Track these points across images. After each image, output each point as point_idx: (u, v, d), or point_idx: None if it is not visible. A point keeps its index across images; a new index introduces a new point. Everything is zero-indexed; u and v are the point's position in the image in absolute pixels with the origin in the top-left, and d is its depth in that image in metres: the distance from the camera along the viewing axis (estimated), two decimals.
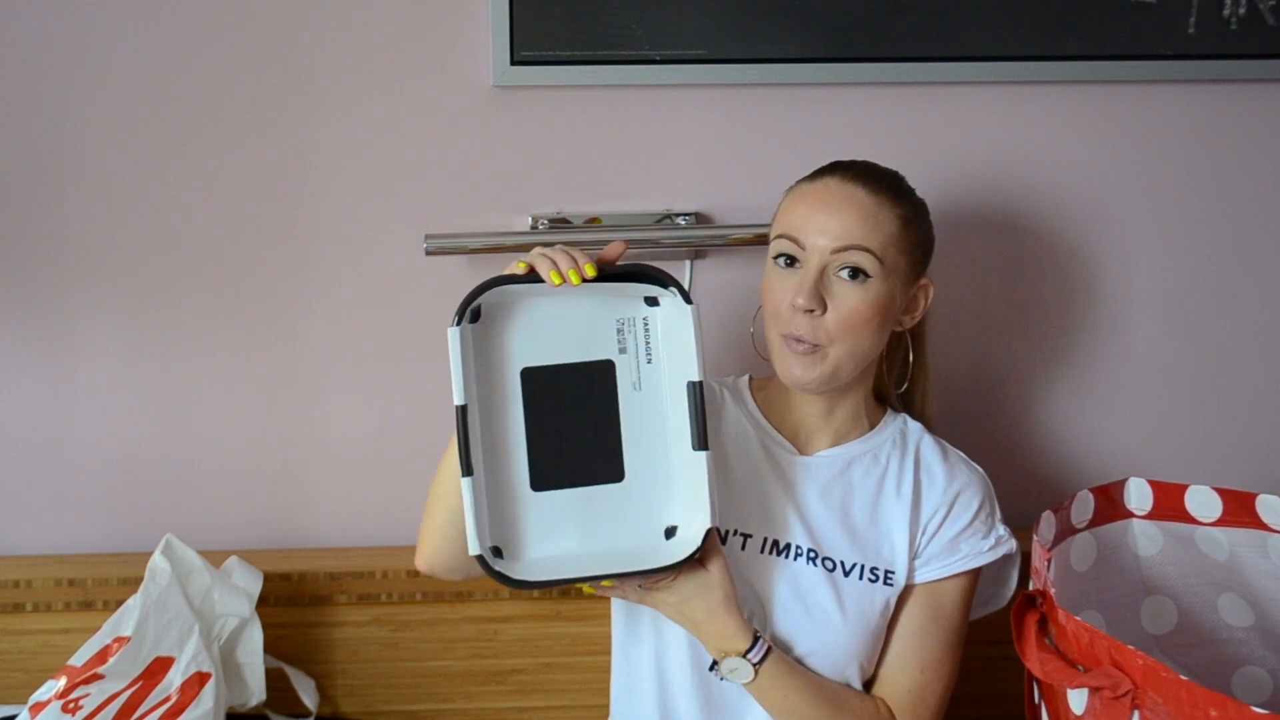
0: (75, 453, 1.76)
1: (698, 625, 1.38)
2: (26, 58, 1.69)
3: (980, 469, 1.53)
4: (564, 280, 1.30)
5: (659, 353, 1.38)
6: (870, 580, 1.46)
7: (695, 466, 1.35)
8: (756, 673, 1.38)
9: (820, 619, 1.44)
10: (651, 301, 1.38)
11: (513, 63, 1.71)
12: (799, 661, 1.43)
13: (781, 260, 1.44)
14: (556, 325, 1.35)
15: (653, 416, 1.38)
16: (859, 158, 1.76)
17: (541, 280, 1.30)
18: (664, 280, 1.35)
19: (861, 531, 1.47)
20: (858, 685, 1.46)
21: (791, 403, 1.51)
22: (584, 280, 1.30)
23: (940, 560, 1.47)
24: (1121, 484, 1.55)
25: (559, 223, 1.76)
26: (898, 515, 1.48)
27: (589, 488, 1.36)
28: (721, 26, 1.73)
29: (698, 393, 1.35)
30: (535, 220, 1.76)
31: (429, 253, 1.70)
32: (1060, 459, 1.87)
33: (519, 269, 1.32)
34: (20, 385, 1.75)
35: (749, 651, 1.37)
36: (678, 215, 1.76)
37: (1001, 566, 1.53)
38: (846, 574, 1.46)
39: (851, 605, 1.44)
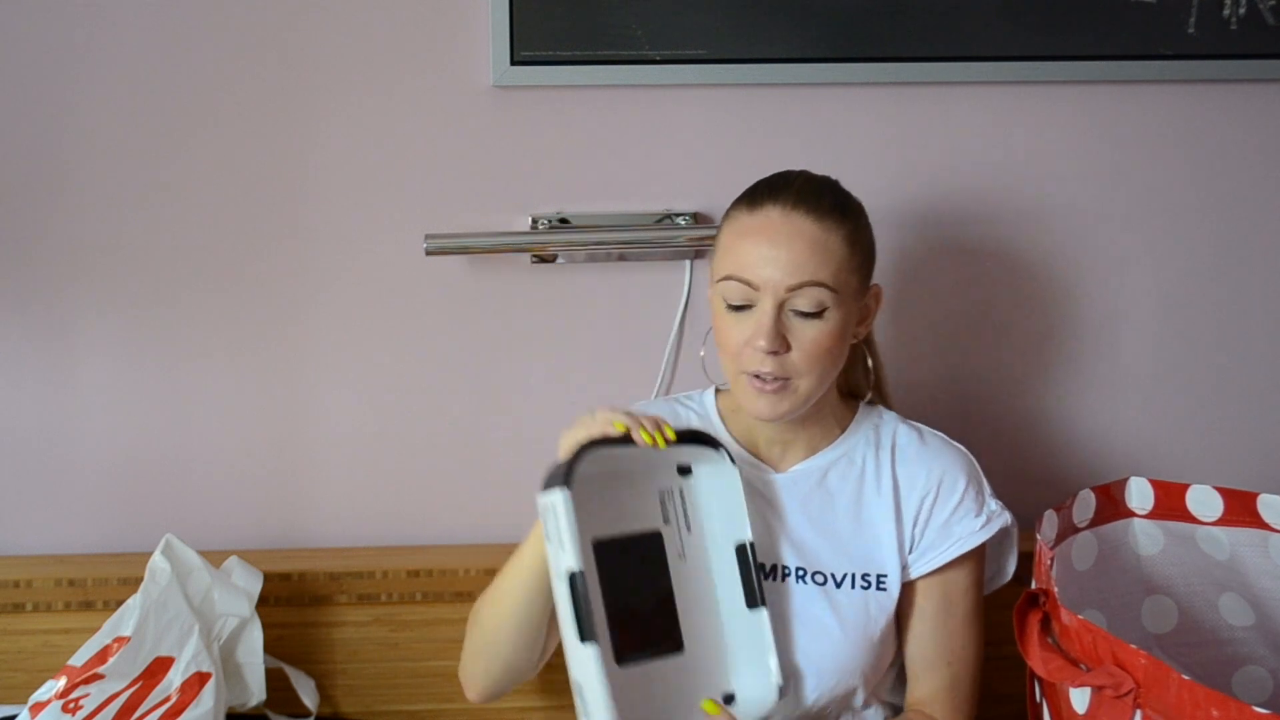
0: (75, 453, 1.76)
1: None
2: (27, 58, 1.69)
3: (961, 447, 1.51)
4: (653, 443, 1.30)
5: (698, 520, 1.39)
6: (864, 588, 1.45)
7: (750, 626, 1.36)
8: None
9: (820, 636, 1.43)
10: (684, 471, 1.39)
11: (513, 63, 1.71)
12: (801, 681, 1.42)
13: (731, 308, 1.40)
14: (611, 496, 1.35)
15: (702, 584, 1.39)
16: (858, 157, 1.77)
17: (632, 443, 1.30)
18: (713, 443, 1.37)
19: (848, 540, 1.46)
20: (863, 695, 1.45)
21: (760, 425, 1.49)
22: (667, 443, 1.31)
23: (937, 548, 1.46)
24: (1123, 483, 1.55)
25: (560, 223, 1.76)
26: (881, 514, 1.47)
27: (659, 660, 1.35)
28: (721, 26, 1.73)
29: (747, 554, 1.37)
30: (535, 220, 1.76)
31: (429, 253, 1.70)
32: (1061, 458, 1.87)
33: (615, 430, 1.30)
34: (20, 385, 1.75)
35: None
36: (678, 215, 1.76)
37: (1000, 543, 1.51)
38: (839, 585, 1.45)
39: (849, 616, 1.43)
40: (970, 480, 1.48)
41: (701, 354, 1.58)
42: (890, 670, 1.51)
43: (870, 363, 1.54)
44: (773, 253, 1.38)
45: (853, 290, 1.42)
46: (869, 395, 1.55)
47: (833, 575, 1.45)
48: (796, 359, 1.38)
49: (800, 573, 1.45)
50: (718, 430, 1.50)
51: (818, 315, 1.39)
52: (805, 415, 1.46)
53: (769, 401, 1.40)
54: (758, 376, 1.39)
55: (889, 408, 1.56)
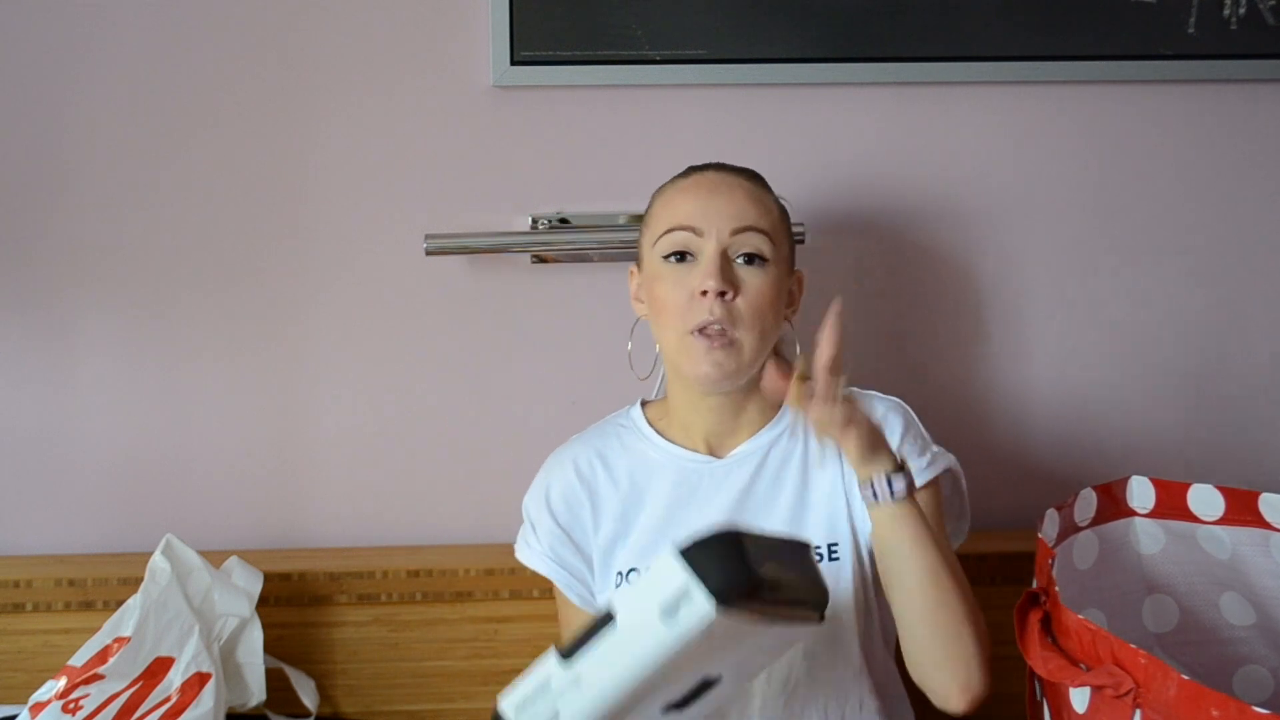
0: (75, 453, 1.76)
1: None
2: (27, 58, 1.69)
3: (896, 398, 1.51)
4: None
5: None
6: (816, 560, 1.44)
7: None
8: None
9: None
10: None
11: (513, 63, 1.71)
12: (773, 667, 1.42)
13: (673, 258, 1.42)
14: None
15: None
16: (858, 157, 1.77)
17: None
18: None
19: (797, 515, 1.46)
20: (846, 679, 1.44)
21: (699, 413, 1.48)
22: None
23: None
24: (1124, 482, 1.54)
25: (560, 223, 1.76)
26: (826, 482, 1.46)
27: None
28: (721, 26, 1.73)
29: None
30: (535, 220, 1.76)
31: (429, 253, 1.70)
32: (1062, 458, 1.87)
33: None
34: (20, 385, 1.75)
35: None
36: None
37: (951, 498, 1.51)
38: None
39: None
40: (909, 425, 1.48)
41: (629, 347, 1.58)
42: (883, 657, 1.50)
43: (798, 348, 1.53)
44: (714, 200, 1.42)
45: (784, 257, 1.45)
46: (798, 371, 1.53)
47: None
48: (742, 307, 1.40)
49: None
50: (651, 440, 1.51)
51: (761, 262, 1.41)
52: (744, 399, 1.47)
53: (715, 360, 1.40)
54: (705, 333, 1.39)
55: None
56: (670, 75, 1.74)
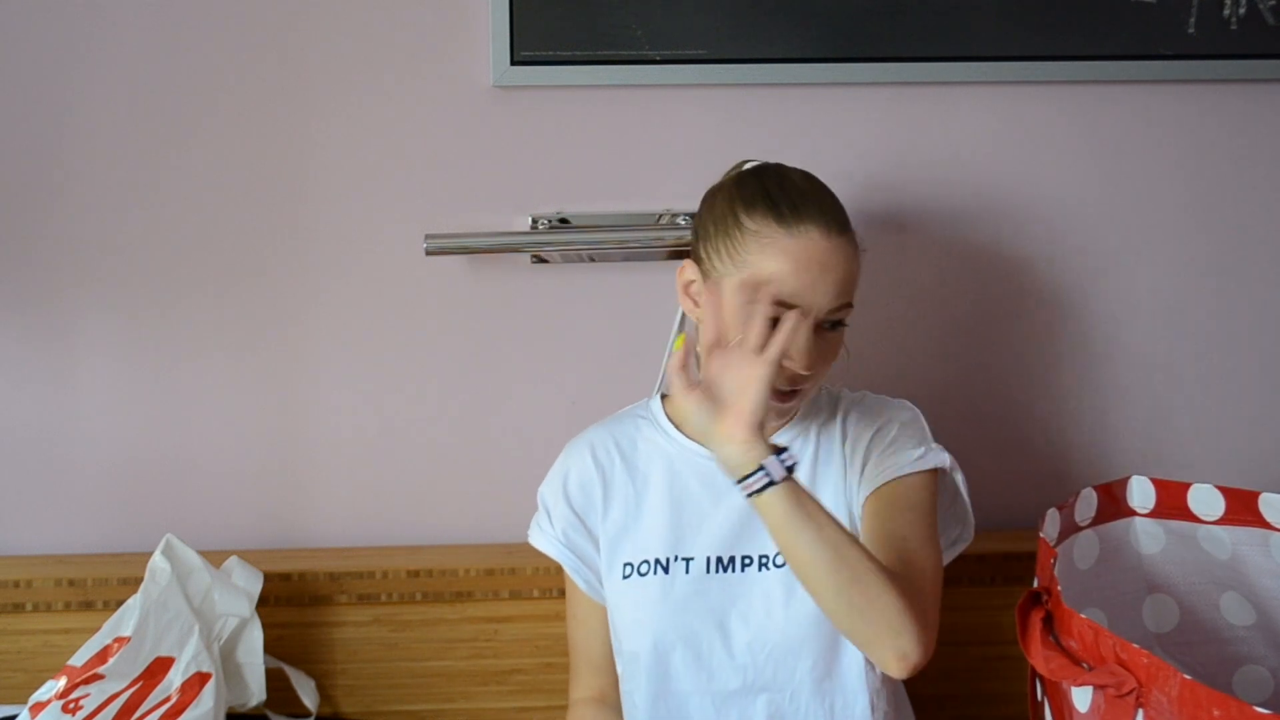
0: (75, 453, 1.76)
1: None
2: (26, 58, 1.69)
3: (905, 400, 1.52)
4: None
5: None
6: None
7: None
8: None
9: (776, 616, 1.43)
10: None
11: (513, 63, 1.71)
12: (764, 653, 1.42)
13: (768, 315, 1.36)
14: None
15: None
16: (858, 157, 1.77)
17: None
18: None
19: None
20: (814, 659, 1.43)
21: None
22: None
23: (877, 468, 1.43)
24: (1124, 482, 1.55)
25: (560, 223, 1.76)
26: (834, 484, 1.47)
27: None
28: (721, 26, 1.73)
29: None
30: (535, 220, 1.76)
31: (429, 253, 1.70)
32: (1062, 458, 1.87)
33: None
34: (20, 385, 1.75)
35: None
36: (678, 215, 1.76)
37: (954, 502, 1.50)
38: None
39: (800, 592, 1.38)
40: (911, 421, 1.49)
41: (666, 360, 1.57)
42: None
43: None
44: (823, 280, 1.37)
45: None
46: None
47: None
48: (818, 367, 1.40)
49: (763, 560, 1.45)
50: (669, 433, 1.52)
51: (842, 326, 1.41)
52: None
53: (776, 413, 1.40)
54: (778, 391, 1.38)
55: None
56: (670, 75, 1.74)
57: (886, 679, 1.48)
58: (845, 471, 1.47)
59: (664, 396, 1.56)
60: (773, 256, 1.38)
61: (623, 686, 1.50)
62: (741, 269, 1.39)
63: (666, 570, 1.46)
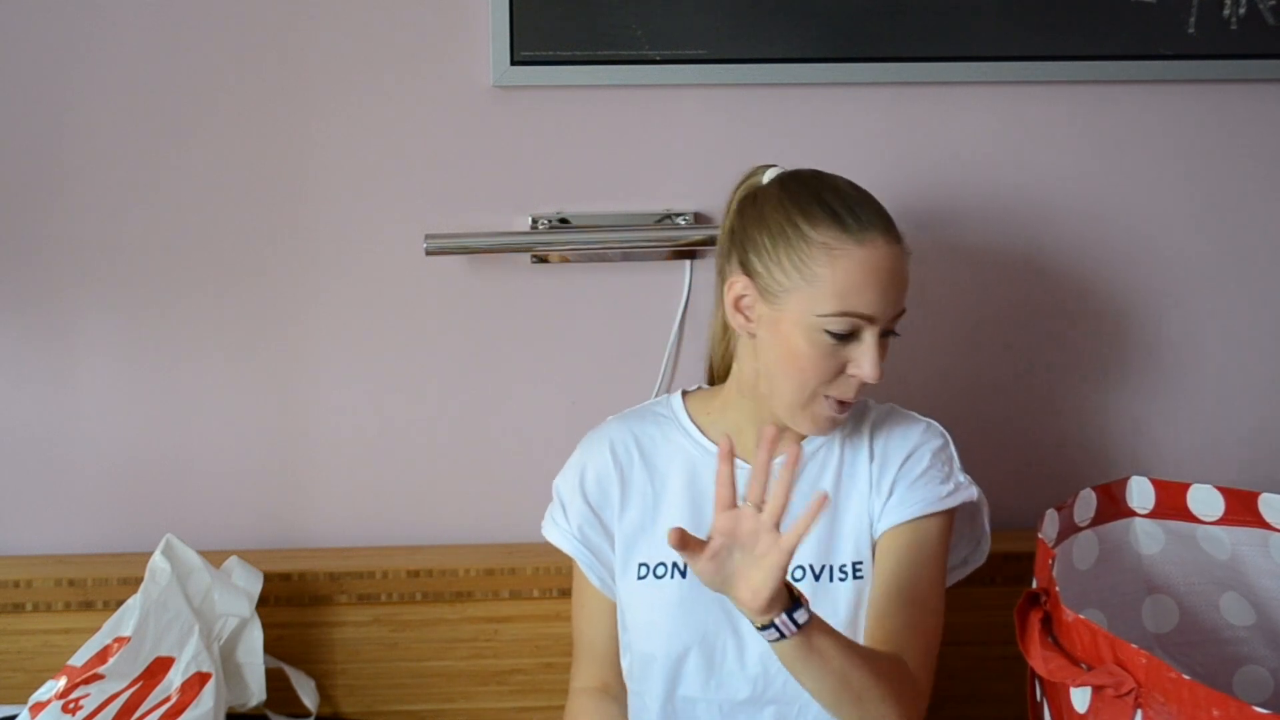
0: (75, 453, 1.76)
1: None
2: (26, 58, 1.69)
3: (935, 422, 1.52)
4: None
5: None
6: (840, 579, 1.44)
7: None
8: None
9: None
10: None
11: (513, 63, 1.71)
12: (776, 663, 1.40)
13: (837, 336, 1.37)
14: None
15: None
16: (858, 157, 1.77)
17: None
18: None
19: (828, 533, 1.45)
20: None
21: (744, 417, 1.47)
22: None
23: (904, 503, 1.44)
24: (1124, 483, 1.55)
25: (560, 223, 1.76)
26: (858, 500, 1.46)
27: None
28: (721, 26, 1.73)
29: None
30: (535, 220, 1.76)
31: (429, 253, 1.70)
32: (1062, 458, 1.87)
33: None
34: (20, 385, 1.75)
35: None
36: (677, 215, 1.76)
37: (972, 522, 1.51)
38: (817, 578, 1.44)
39: (825, 608, 1.41)
40: (941, 450, 1.48)
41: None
42: None
43: None
44: (890, 290, 1.37)
45: None
46: None
47: (811, 567, 1.44)
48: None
49: None
50: (691, 434, 1.50)
51: (893, 334, 1.41)
52: None
53: (837, 422, 1.42)
54: (840, 403, 1.39)
55: None
56: (670, 75, 1.73)
57: None
58: (871, 492, 1.46)
59: (685, 394, 1.55)
60: (845, 268, 1.36)
61: (631, 686, 1.50)
62: (812, 282, 1.36)
63: (684, 574, 1.45)
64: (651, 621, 1.46)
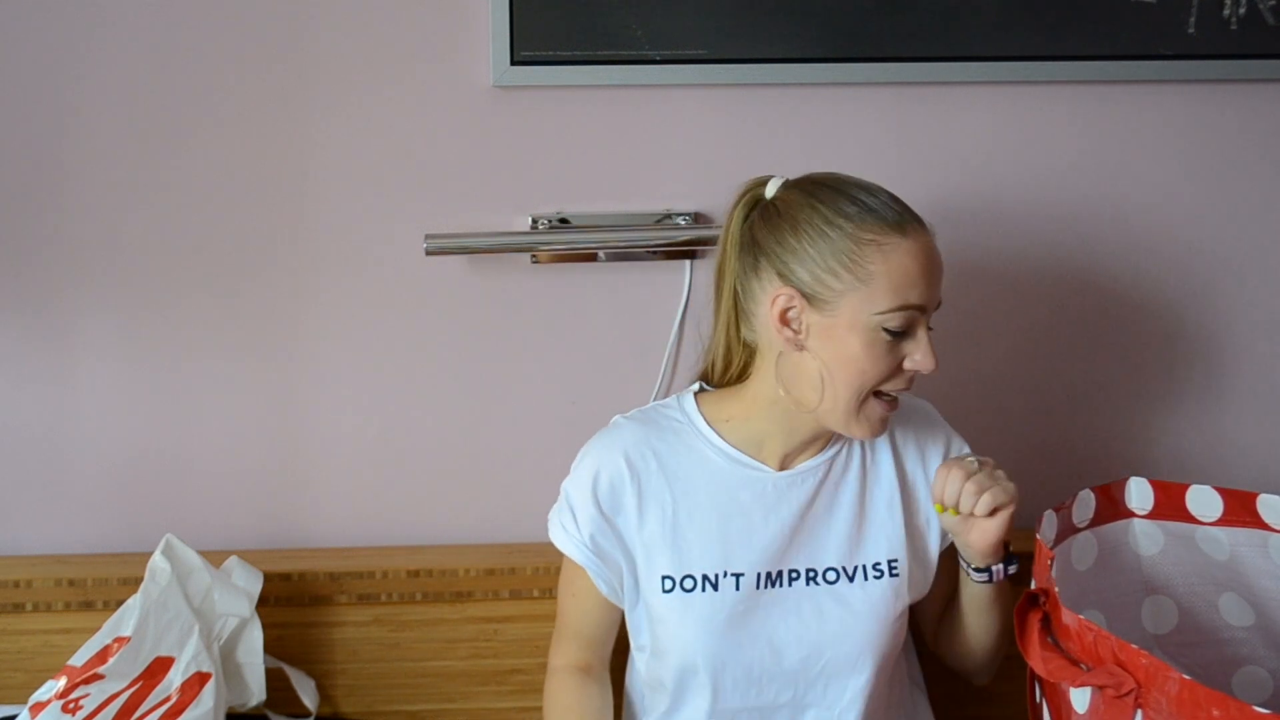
0: (75, 453, 1.76)
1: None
2: (27, 58, 1.69)
3: (922, 400, 1.57)
4: None
5: None
6: (876, 577, 1.45)
7: None
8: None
9: (830, 632, 1.42)
10: None
11: (513, 63, 1.71)
12: (816, 669, 1.44)
13: (898, 330, 1.35)
14: None
15: None
16: (858, 157, 1.77)
17: None
18: None
19: (857, 532, 1.46)
20: (870, 675, 1.44)
21: (785, 433, 1.45)
22: None
23: None
24: (1122, 483, 1.55)
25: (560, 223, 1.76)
26: (886, 499, 1.47)
27: None
28: (721, 26, 1.73)
29: None
30: (535, 220, 1.76)
31: (429, 253, 1.70)
32: (1061, 458, 1.87)
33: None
34: (20, 385, 1.75)
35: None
36: (677, 215, 1.76)
37: None
38: (851, 580, 1.44)
39: (861, 607, 1.43)
40: (953, 433, 1.56)
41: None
42: (902, 656, 1.53)
43: None
44: (934, 277, 1.38)
45: None
46: None
47: (844, 569, 1.45)
48: None
49: (810, 574, 1.44)
50: (713, 443, 1.46)
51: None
52: None
53: (886, 419, 1.42)
54: (892, 399, 1.40)
55: None
56: (670, 75, 1.73)
57: (914, 669, 1.56)
58: (900, 491, 1.49)
59: (697, 395, 1.52)
60: (899, 262, 1.34)
61: (667, 699, 1.48)
62: (868, 281, 1.34)
63: (716, 587, 1.43)
64: (686, 638, 1.43)
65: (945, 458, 1.51)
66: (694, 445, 1.47)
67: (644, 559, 1.46)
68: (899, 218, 1.36)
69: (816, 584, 1.44)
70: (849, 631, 1.42)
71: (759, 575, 1.43)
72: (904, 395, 1.48)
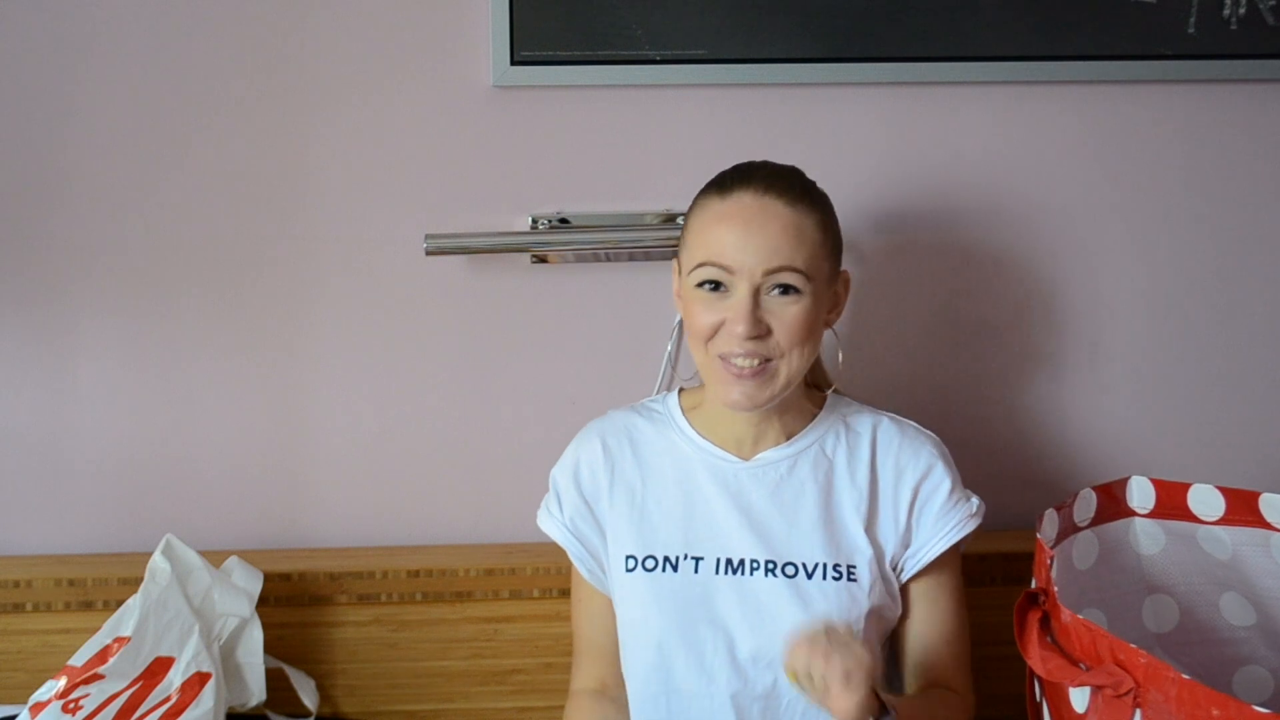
0: (75, 453, 1.76)
1: None
2: (27, 58, 1.69)
3: (934, 436, 1.53)
4: None
5: None
6: (835, 578, 1.45)
7: None
8: None
9: (784, 627, 1.41)
10: None
11: (513, 63, 1.71)
12: (765, 662, 1.43)
13: (706, 286, 1.41)
14: None
15: None
16: (858, 157, 1.77)
17: None
18: None
19: (820, 530, 1.46)
20: None
21: (729, 418, 1.48)
22: None
23: (936, 536, 1.47)
24: (1124, 482, 1.54)
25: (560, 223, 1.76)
26: (852, 505, 1.47)
27: None
28: (721, 26, 1.73)
29: None
30: (535, 220, 1.76)
31: (429, 253, 1.70)
32: (1062, 458, 1.87)
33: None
34: (20, 385, 1.75)
35: None
36: (678, 215, 1.76)
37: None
38: (810, 576, 1.44)
39: (820, 607, 1.43)
40: (950, 467, 1.51)
41: (669, 349, 1.62)
42: (889, 671, 1.51)
43: (840, 354, 1.55)
44: (748, 238, 1.39)
45: (825, 276, 1.43)
46: (834, 385, 1.56)
47: (804, 565, 1.45)
48: (781, 339, 1.40)
49: (770, 566, 1.45)
50: (683, 431, 1.52)
51: (795, 293, 1.40)
52: (778, 404, 1.46)
53: (747, 389, 1.41)
54: (736, 364, 1.40)
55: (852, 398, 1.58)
56: (670, 75, 1.74)
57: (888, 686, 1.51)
58: (872, 509, 1.48)
59: (680, 391, 1.56)
60: (705, 221, 1.42)
61: (631, 684, 1.50)
62: (685, 241, 1.45)
63: (675, 569, 1.46)
64: (643, 617, 1.46)
65: (921, 483, 1.49)
66: (667, 433, 1.52)
67: (613, 539, 1.50)
68: (730, 184, 1.43)
69: (775, 576, 1.44)
70: (792, 627, 1.42)
71: (718, 560, 1.46)
72: (917, 426, 1.51)
